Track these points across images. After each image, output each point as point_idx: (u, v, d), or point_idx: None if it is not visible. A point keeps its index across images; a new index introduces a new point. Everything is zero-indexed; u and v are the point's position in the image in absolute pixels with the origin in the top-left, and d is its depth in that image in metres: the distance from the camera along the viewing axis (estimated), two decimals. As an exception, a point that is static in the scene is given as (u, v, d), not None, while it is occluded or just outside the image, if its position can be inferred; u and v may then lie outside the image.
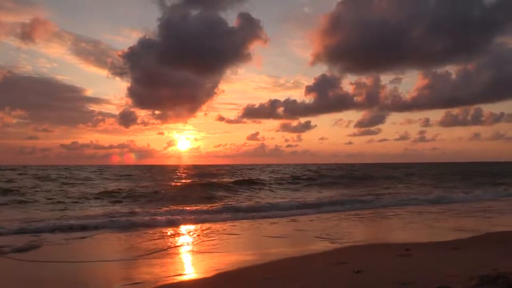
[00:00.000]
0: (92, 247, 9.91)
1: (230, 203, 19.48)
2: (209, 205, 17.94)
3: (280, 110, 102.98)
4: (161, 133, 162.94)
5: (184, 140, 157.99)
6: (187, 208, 16.96)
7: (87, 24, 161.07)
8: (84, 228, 12.01)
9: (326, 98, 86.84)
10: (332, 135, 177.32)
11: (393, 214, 15.71)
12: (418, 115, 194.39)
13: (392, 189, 29.79)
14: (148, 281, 6.49)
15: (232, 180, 34.78)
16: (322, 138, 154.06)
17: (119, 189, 25.33)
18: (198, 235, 11.29)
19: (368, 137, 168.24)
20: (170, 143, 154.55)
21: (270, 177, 41.42)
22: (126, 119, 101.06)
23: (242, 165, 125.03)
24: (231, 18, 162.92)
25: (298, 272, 6.60)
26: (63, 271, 7.35)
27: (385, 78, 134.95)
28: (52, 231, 11.48)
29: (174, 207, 17.26)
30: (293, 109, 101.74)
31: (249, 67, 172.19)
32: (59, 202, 19.50)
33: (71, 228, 11.91)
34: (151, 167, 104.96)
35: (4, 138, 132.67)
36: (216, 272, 7.03)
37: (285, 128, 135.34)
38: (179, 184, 31.87)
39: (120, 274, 7.13)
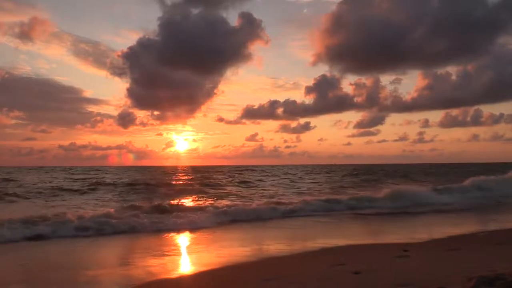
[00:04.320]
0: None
1: None
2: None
3: (280, 111, 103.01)
4: (160, 134, 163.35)
5: (183, 141, 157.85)
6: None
7: (86, 25, 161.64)
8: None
9: (326, 98, 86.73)
10: (331, 136, 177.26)
11: None
12: (417, 116, 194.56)
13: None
14: (144, 280, 6.50)
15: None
16: (321, 139, 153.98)
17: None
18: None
19: (367, 138, 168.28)
20: (169, 144, 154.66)
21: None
22: (125, 120, 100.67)
23: (241, 166, 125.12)
24: (232, 18, 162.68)
25: (297, 273, 6.59)
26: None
27: (386, 79, 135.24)
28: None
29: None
30: (292, 110, 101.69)
31: (249, 68, 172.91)
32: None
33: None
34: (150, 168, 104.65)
35: (2, 139, 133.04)
36: (214, 272, 7.04)
37: (284, 129, 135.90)
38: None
39: (116, 275, 7.12)
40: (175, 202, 17.76)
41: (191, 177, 45.17)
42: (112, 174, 51.03)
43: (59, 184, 30.14)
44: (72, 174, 53.69)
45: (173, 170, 77.56)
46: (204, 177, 43.80)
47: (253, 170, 74.09)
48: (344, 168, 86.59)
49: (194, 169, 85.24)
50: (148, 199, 18.91)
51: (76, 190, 25.19)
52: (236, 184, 33.50)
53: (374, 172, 59.44)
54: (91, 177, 41.34)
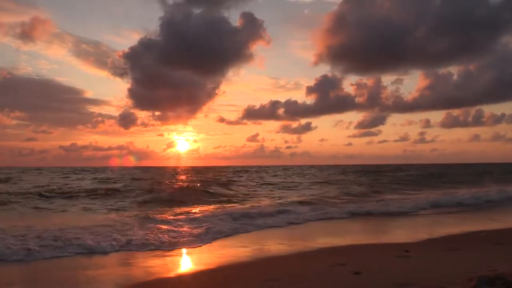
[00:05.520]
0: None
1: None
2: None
3: (281, 111, 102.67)
4: (161, 135, 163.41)
5: (184, 141, 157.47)
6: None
7: (87, 25, 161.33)
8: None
9: (327, 99, 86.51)
10: (332, 136, 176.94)
11: None
12: (419, 116, 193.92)
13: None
14: (144, 280, 6.52)
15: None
16: (322, 140, 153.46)
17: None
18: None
19: (368, 138, 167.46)
20: (170, 145, 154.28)
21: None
22: (126, 120, 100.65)
23: (242, 166, 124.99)
24: (234, 18, 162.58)
25: (297, 273, 6.60)
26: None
27: (388, 79, 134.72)
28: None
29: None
30: (293, 110, 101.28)
31: (250, 68, 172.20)
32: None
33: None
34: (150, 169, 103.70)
35: (2, 139, 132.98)
36: (214, 272, 7.05)
37: (286, 129, 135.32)
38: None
39: (115, 274, 7.14)
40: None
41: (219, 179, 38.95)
42: (119, 175, 50.17)
43: (83, 188, 26.94)
44: (78, 174, 53.21)
45: (179, 171, 76.44)
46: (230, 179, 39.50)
47: (266, 171, 73.21)
48: (353, 168, 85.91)
49: (208, 170, 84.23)
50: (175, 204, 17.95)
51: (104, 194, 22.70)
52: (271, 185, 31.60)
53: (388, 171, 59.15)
54: (100, 178, 39.71)
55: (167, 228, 11.30)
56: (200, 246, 9.60)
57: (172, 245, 9.50)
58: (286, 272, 6.69)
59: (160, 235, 10.30)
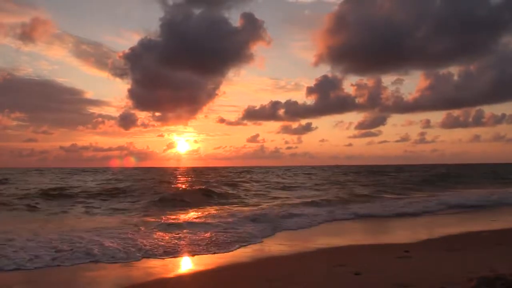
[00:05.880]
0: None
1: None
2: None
3: (281, 111, 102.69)
4: (161, 135, 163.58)
5: (184, 142, 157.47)
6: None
7: (88, 26, 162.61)
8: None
9: (327, 99, 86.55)
10: (333, 137, 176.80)
11: None
12: (419, 117, 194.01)
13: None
14: (145, 280, 6.52)
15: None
16: (322, 140, 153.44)
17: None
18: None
19: (369, 139, 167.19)
20: (170, 145, 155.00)
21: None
22: (126, 121, 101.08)
23: (242, 167, 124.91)
24: (234, 18, 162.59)
25: (298, 274, 6.60)
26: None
27: (388, 79, 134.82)
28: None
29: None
30: (294, 110, 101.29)
31: (250, 69, 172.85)
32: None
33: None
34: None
35: (3, 140, 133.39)
36: (214, 272, 7.05)
37: (286, 130, 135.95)
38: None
39: (115, 275, 7.14)
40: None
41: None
42: (120, 176, 49.48)
43: (84, 188, 26.04)
44: (79, 175, 52.56)
45: (180, 172, 75.66)
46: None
47: (268, 171, 72.73)
48: (355, 169, 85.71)
49: (209, 170, 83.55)
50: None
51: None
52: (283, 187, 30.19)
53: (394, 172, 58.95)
54: (102, 179, 38.98)
55: (185, 232, 10.79)
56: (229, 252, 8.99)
57: (193, 253, 8.81)
58: (287, 272, 6.70)
59: (178, 241, 9.72)
